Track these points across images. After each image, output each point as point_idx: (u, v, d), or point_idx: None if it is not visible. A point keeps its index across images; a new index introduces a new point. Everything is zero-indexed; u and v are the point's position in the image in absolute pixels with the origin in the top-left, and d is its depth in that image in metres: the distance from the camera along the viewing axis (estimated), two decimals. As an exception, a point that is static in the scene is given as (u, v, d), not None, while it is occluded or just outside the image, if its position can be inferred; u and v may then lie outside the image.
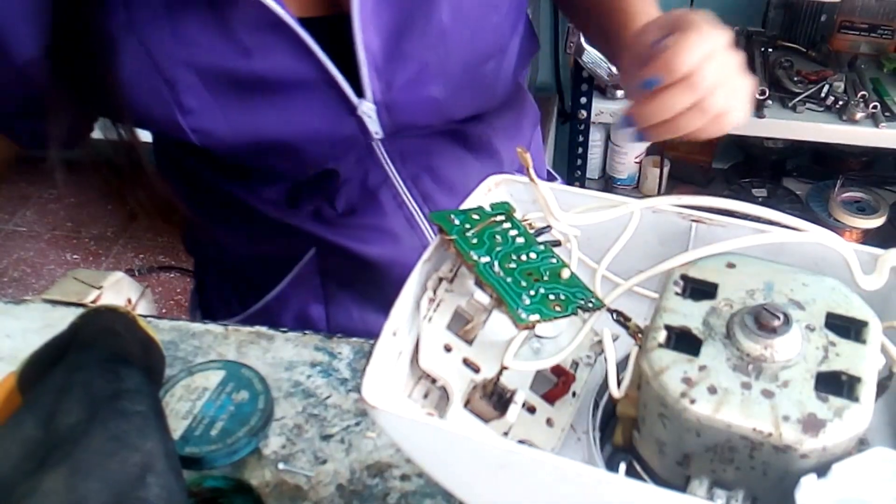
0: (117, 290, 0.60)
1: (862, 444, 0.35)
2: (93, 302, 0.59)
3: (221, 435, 0.50)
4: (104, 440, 0.41)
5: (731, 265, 0.40)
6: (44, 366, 0.47)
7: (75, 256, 1.97)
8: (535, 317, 0.38)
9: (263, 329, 0.58)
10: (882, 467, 0.33)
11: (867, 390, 0.34)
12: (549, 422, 0.42)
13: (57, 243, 2.00)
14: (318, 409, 0.53)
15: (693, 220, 0.45)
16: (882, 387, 0.37)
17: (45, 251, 1.98)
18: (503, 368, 0.39)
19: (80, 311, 0.57)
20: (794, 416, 0.33)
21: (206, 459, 0.49)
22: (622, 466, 0.37)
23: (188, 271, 1.96)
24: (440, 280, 0.42)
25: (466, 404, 0.40)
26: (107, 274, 0.60)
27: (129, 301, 0.60)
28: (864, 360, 0.35)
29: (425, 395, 0.41)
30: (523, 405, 0.41)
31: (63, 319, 0.57)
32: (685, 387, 0.34)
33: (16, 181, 2.14)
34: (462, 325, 0.42)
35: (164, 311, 1.83)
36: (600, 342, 0.45)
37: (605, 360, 0.38)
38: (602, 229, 0.45)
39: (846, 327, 0.37)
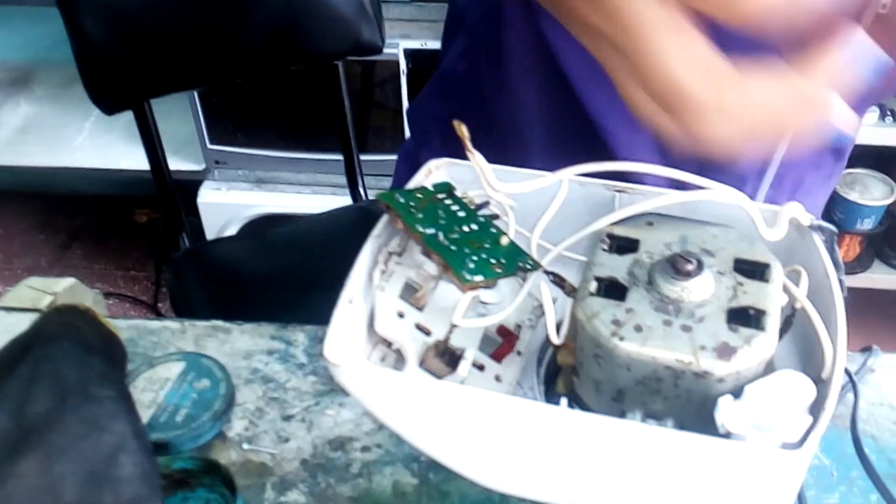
0: (71, 296, 0.62)
1: (769, 369, 0.39)
2: (48, 307, 0.60)
3: (186, 420, 0.52)
4: (76, 423, 0.43)
5: (650, 223, 0.44)
6: (6, 364, 0.49)
7: (8, 288, 1.94)
8: (479, 277, 0.42)
9: (219, 322, 0.61)
10: (787, 386, 0.37)
11: (772, 321, 0.38)
12: (497, 378, 0.46)
13: (-11, 275, 1.97)
14: (277, 393, 0.56)
15: (616, 191, 0.49)
16: (787, 322, 0.42)
17: (-24, 283, 1.95)
18: (453, 327, 0.43)
19: (35, 316, 0.59)
20: (710, 345, 0.37)
21: (172, 444, 0.51)
22: (563, 401, 0.41)
23: (127, 297, 1.95)
24: (390, 254, 0.46)
25: (421, 364, 0.43)
26: (60, 280, 0.62)
27: (79, 304, 0.62)
28: (768, 297, 0.40)
29: (382, 359, 0.44)
30: (473, 364, 0.44)
31: (19, 325, 0.58)
32: (615, 327, 0.38)
33: (-55, 215, 2.10)
34: (413, 294, 0.45)
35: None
36: (540, 306, 0.49)
37: (544, 309, 0.42)
38: (535, 203, 0.49)
39: (752, 270, 0.41)
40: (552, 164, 0.48)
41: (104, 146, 1.80)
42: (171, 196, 1.19)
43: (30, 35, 1.99)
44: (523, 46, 0.63)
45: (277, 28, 1.07)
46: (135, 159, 1.74)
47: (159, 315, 1.93)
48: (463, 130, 0.42)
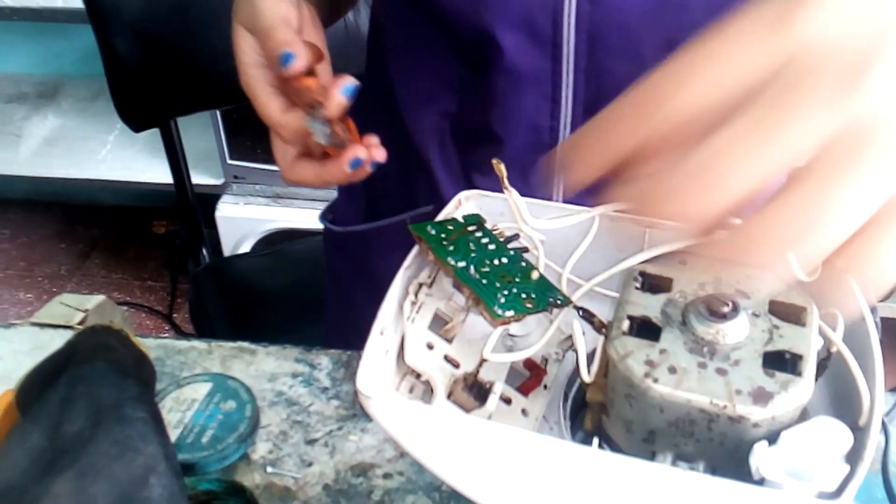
0: (101, 313, 0.62)
1: (805, 415, 0.39)
2: (79, 324, 0.61)
3: (212, 442, 0.52)
4: (109, 445, 0.43)
5: (682, 262, 0.44)
6: (41, 382, 0.49)
7: (28, 295, 1.95)
8: (511, 312, 0.42)
9: (245, 344, 0.61)
10: (824, 433, 0.37)
11: (809, 366, 0.38)
12: (524, 412, 0.45)
13: (10, 283, 1.98)
14: (301, 416, 0.56)
15: (646, 227, 0.50)
16: (822, 366, 0.42)
17: (-3, 291, 1.96)
18: (483, 361, 0.43)
19: (67, 332, 0.59)
20: (746, 389, 0.37)
21: (198, 465, 0.51)
22: (595, 441, 0.41)
23: (143, 307, 1.96)
24: (420, 285, 0.46)
25: (449, 396, 0.43)
26: (91, 298, 0.62)
27: (112, 322, 0.63)
28: (804, 341, 0.39)
29: (410, 390, 0.44)
30: (500, 397, 0.44)
31: (52, 341, 0.59)
32: (648, 368, 0.38)
33: (-34, 222, 2.12)
34: (442, 326, 0.45)
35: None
36: (567, 339, 0.49)
37: (576, 348, 0.42)
38: (564, 238, 0.49)
39: (787, 313, 0.41)
40: None
41: (127, 159, 1.82)
42: (193, 211, 1.20)
43: (58, 50, 2.02)
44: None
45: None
46: (156, 172, 1.76)
47: (174, 326, 1.94)
48: (501, 169, 0.42)
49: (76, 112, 1.93)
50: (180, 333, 1.88)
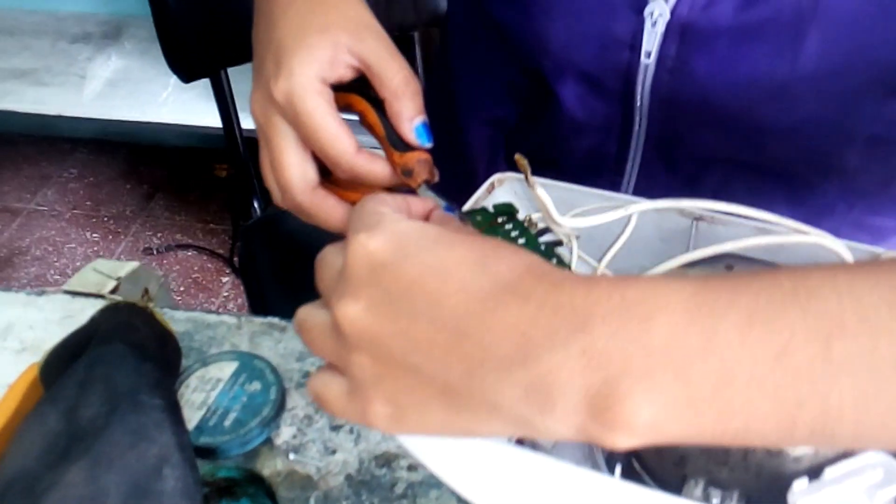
0: (134, 281, 0.62)
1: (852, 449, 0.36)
2: (111, 292, 0.60)
3: (235, 425, 0.51)
4: (123, 433, 0.43)
5: (729, 266, 0.40)
6: (65, 359, 0.49)
7: (95, 235, 1.99)
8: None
9: (276, 320, 0.60)
10: (873, 471, 0.34)
11: (859, 394, 0.35)
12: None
13: (77, 222, 2.03)
14: (328, 400, 0.55)
15: (695, 219, 0.46)
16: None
17: (65, 230, 2.01)
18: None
19: (99, 301, 0.59)
20: (787, 419, 0.34)
21: (219, 450, 0.50)
22: (618, 469, 0.38)
23: (205, 249, 1.98)
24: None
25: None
26: (125, 264, 0.62)
27: (146, 291, 0.62)
28: (857, 364, 0.36)
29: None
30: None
31: (83, 310, 0.58)
32: (681, 390, 0.35)
33: (36, 161, 2.16)
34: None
35: (181, 288, 1.86)
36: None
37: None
38: (604, 229, 0.46)
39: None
40: None
41: (187, 102, 1.82)
42: (245, 163, 1.19)
43: (122, -13, 2.02)
44: None
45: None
46: (215, 116, 1.75)
47: (235, 269, 1.95)
48: (524, 164, 0.39)
49: (139, 53, 1.93)
50: (240, 277, 1.90)
